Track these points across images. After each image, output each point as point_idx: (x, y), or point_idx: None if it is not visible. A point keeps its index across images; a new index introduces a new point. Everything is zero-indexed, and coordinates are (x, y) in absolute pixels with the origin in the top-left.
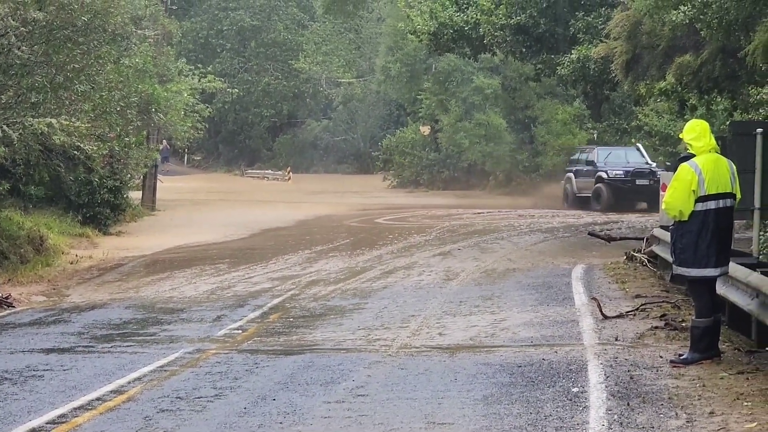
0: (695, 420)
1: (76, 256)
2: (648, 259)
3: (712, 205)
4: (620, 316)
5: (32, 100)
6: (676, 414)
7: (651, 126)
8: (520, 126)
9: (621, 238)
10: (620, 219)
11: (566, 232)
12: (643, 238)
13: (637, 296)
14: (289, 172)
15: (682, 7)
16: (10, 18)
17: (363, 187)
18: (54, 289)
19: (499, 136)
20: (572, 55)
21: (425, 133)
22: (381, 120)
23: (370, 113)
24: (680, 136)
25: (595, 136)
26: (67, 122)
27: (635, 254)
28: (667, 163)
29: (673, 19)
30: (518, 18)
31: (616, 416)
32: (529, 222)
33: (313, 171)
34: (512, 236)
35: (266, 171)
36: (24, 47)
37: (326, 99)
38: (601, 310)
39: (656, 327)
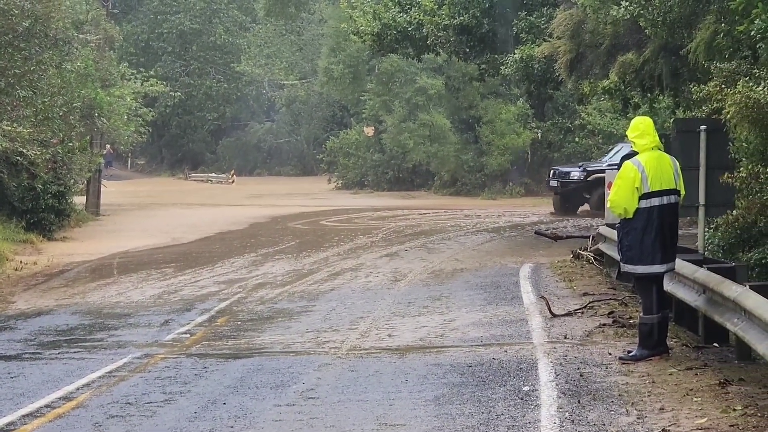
0: (646, 416)
1: (21, 262)
2: (594, 257)
3: (656, 202)
4: (568, 314)
5: None
6: (627, 411)
7: (594, 125)
8: (465, 126)
9: (567, 237)
10: (566, 218)
11: (512, 231)
12: (589, 237)
13: (585, 294)
14: (233, 175)
15: (623, 2)
16: None
17: (308, 189)
18: None
19: (444, 137)
20: (515, 55)
21: (369, 134)
22: (324, 122)
23: (314, 115)
24: (626, 133)
25: (539, 135)
26: (9, 128)
27: (582, 252)
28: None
29: (614, 14)
30: (461, 18)
31: (567, 414)
32: (475, 222)
33: (257, 174)
34: (459, 236)
35: (210, 174)
36: None
37: (269, 101)
38: (549, 309)
39: (604, 324)
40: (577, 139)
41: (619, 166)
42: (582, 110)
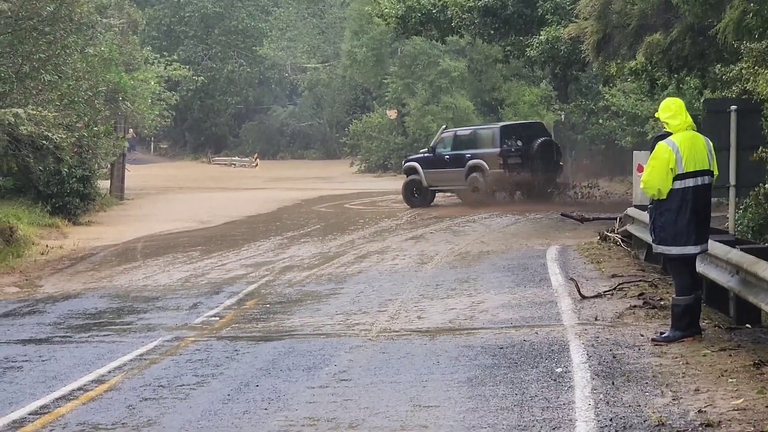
0: (681, 397)
1: (47, 246)
2: (622, 239)
3: (690, 182)
4: (598, 296)
5: None
6: (662, 392)
7: (618, 106)
8: (488, 108)
9: (594, 219)
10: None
11: (537, 213)
12: (615, 218)
13: (614, 276)
14: (256, 159)
15: None
16: None
17: (330, 172)
18: (26, 279)
19: (467, 119)
20: (541, 37)
21: (392, 117)
22: (347, 105)
23: (336, 98)
24: (656, 115)
25: (562, 117)
26: (35, 112)
27: (609, 234)
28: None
29: None
30: (486, 0)
31: (601, 395)
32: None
33: (280, 157)
34: (483, 219)
35: (233, 158)
36: None
37: (291, 85)
38: (579, 291)
39: (635, 306)
40: (600, 121)
41: (652, 147)
42: (606, 92)
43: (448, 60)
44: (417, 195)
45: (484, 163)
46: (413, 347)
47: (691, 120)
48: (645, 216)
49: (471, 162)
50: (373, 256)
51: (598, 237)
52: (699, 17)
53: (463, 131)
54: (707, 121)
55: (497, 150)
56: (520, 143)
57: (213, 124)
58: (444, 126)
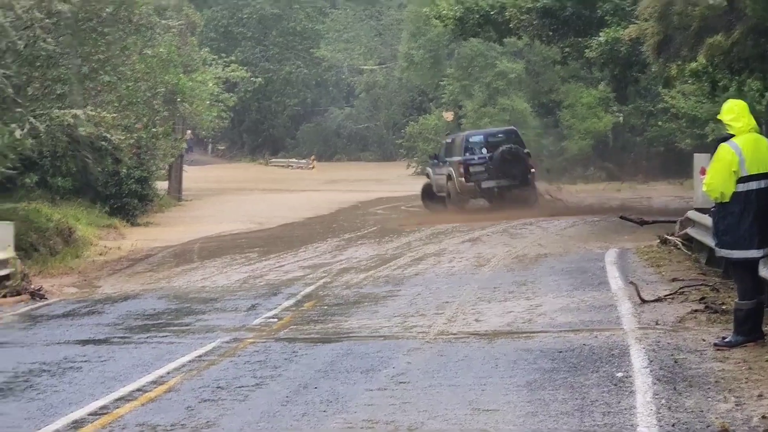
0: (744, 403)
1: (105, 247)
2: (682, 242)
3: (753, 185)
4: (658, 300)
5: (58, 92)
6: (725, 397)
7: (678, 108)
8: (545, 110)
9: (653, 222)
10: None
11: (595, 216)
12: (675, 221)
13: (674, 280)
14: (313, 161)
15: None
16: (35, 10)
17: (387, 174)
18: (85, 280)
19: (524, 121)
20: (600, 38)
21: (449, 119)
22: (403, 107)
23: (393, 100)
24: (719, 117)
25: (620, 119)
26: (94, 113)
27: (669, 237)
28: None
29: None
30: (544, 1)
31: (663, 401)
32: (557, 206)
33: (336, 159)
34: (540, 221)
35: (290, 159)
36: (49, 39)
37: (348, 87)
38: (639, 294)
39: (696, 310)
40: (660, 123)
41: (714, 149)
42: (665, 93)
43: (506, 62)
44: (432, 199)
45: (453, 172)
46: (471, 350)
47: (754, 122)
48: (706, 219)
49: (447, 170)
50: (430, 258)
51: (658, 240)
52: (763, 18)
53: (448, 139)
54: None
55: (460, 158)
56: (484, 151)
57: (270, 126)
58: (447, 132)
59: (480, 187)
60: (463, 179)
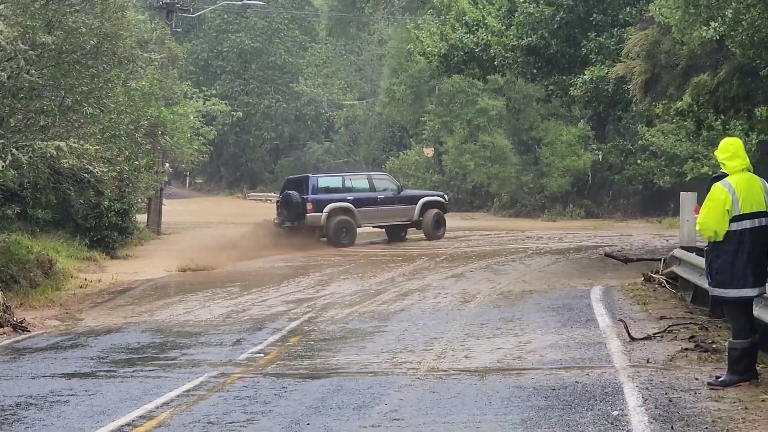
0: None
1: (86, 279)
2: (667, 280)
3: (747, 224)
4: (648, 337)
5: (41, 123)
6: None
7: (657, 146)
8: (525, 147)
9: (638, 259)
10: (631, 239)
11: (577, 253)
12: (660, 259)
13: (662, 318)
14: None
15: (712, 23)
16: (19, 42)
17: None
18: (67, 313)
19: (504, 158)
20: (585, 76)
21: (429, 155)
22: (383, 142)
23: (373, 135)
24: (714, 153)
25: (600, 157)
26: (77, 145)
27: (654, 275)
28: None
29: (703, 35)
30: (529, 39)
31: None
32: (538, 243)
33: None
34: (523, 258)
35: (269, 194)
36: (33, 71)
37: (328, 121)
38: (628, 332)
39: (686, 349)
40: (639, 161)
41: (708, 187)
42: (645, 131)
43: (487, 98)
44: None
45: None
46: (463, 387)
47: (748, 161)
48: (692, 257)
49: None
50: (415, 294)
51: (642, 278)
52: (750, 58)
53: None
54: (762, 163)
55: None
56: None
57: (249, 160)
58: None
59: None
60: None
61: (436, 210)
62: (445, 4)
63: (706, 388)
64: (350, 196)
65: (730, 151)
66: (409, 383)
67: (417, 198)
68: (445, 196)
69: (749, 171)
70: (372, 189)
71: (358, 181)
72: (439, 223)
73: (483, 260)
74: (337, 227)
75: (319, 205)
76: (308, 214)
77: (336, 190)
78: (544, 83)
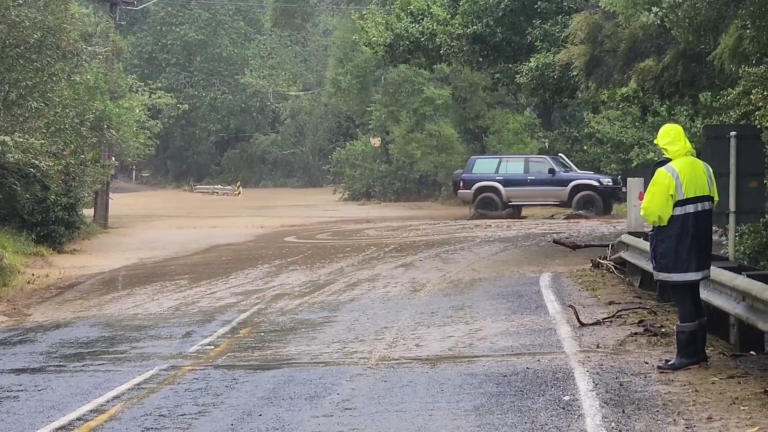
0: (695, 425)
1: (33, 275)
2: (615, 266)
3: (690, 209)
4: (597, 323)
5: None
6: (674, 420)
7: (603, 133)
8: (471, 136)
9: (586, 245)
10: (578, 226)
11: (525, 240)
12: (608, 245)
13: (611, 303)
14: (238, 187)
15: (653, 8)
16: None
17: (314, 200)
18: (14, 308)
19: (451, 147)
20: (530, 63)
21: (376, 145)
22: (330, 133)
23: (319, 126)
24: (655, 141)
25: (546, 144)
26: (22, 139)
27: (602, 261)
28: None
29: (644, 20)
30: (474, 27)
31: (613, 424)
32: (486, 232)
33: (263, 185)
34: (472, 246)
35: (215, 186)
36: None
37: (274, 113)
38: (578, 318)
39: (636, 333)
40: (585, 148)
41: (652, 173)
42: (591, 119)
43: (433, 88)
44: None
45: None
46: (415, 375)
47: (690, 146)
48: (639, 243)
49: None
50: (364, 284)
51: (591, 264)
52: (692, 43)
53: None
54: (707, 147)
55: None
56: None
57: (195, 152)
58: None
59: None
60: None
61: (585, 192)
62: None
63: (656, 372)
64: (500, 177)
65: (671, 136)
66: (360, 373)
67: (568, 181)
68: (608, 179)
69: (692, 155)
70: (526, 171)
71: (514, 163)
72: (588, 204)
73: (432, 249)
74: (481, 202)
75: (468, 184)
76: (459, 191)
77: (490, 171)
78: (490, 71)
